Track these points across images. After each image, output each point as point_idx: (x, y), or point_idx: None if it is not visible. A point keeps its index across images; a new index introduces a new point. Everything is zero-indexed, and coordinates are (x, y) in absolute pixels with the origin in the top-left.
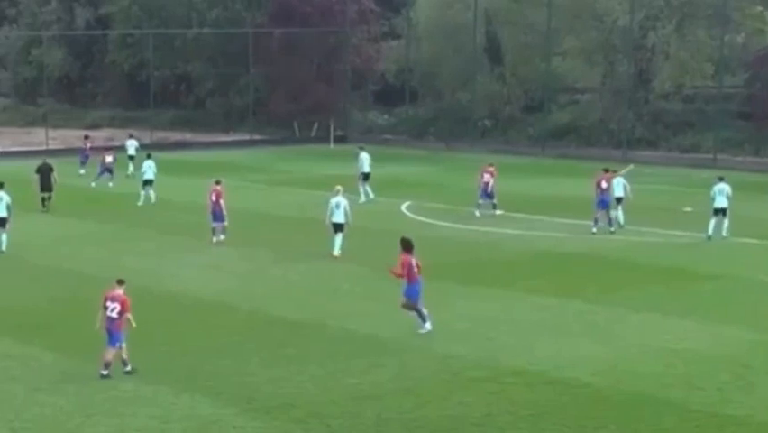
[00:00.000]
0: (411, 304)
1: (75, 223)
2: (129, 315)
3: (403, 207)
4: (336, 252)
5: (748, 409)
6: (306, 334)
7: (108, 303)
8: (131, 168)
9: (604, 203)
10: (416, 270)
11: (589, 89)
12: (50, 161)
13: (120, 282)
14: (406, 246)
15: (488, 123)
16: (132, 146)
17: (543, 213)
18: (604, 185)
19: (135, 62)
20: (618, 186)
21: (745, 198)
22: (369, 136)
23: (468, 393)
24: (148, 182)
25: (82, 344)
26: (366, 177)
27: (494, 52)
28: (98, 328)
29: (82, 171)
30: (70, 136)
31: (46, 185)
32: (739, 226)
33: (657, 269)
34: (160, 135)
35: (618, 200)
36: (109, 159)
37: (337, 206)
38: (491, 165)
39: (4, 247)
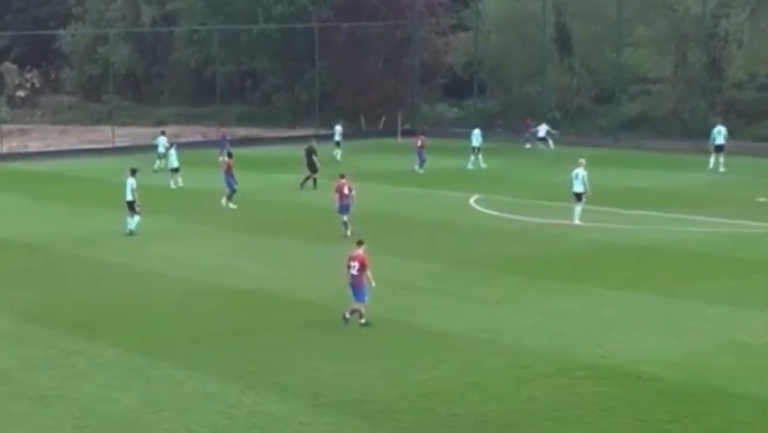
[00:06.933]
0: None
1: (148, 220)
2: (368, 272)
3: (471, 201)
4: (576, 221)
5: None
6: (374, 329)
7: (351, 262)
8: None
9: None
10: None
11: (661, 79)
12: (315, 143)
13: (359, 243)
14: None
15: (557, 114)
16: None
17: (615, 205)
18: None
19: (201, 58)
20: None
21: None
22: (437, 129)
23: (538, 388)
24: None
25: (149, 341)
26: (719, 149)
27: (563, 43)
28: (344, 286)
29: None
30: (137, 133)
31: (312, 166)
32: None
33: (732, 260)
34: (227, 131)
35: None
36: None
37: (576, 176)
38: None
39: (134, 227)
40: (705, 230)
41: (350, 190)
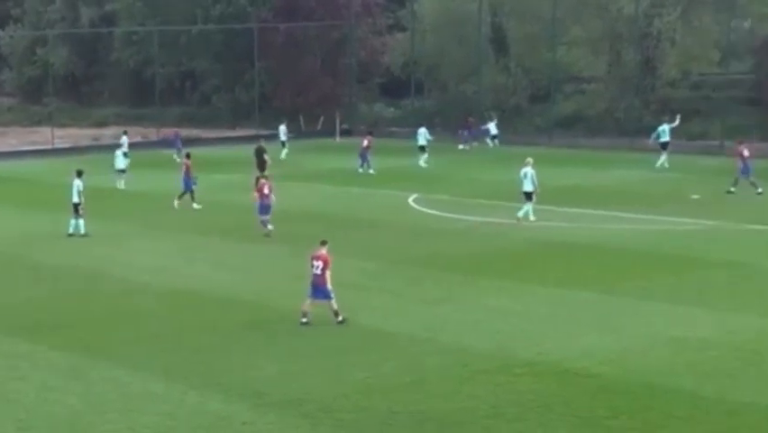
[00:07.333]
0: None
1: (90, 222)
2: (328, 273)
3: (410, 200)
4: (521, 214)
5: (759, 395)
6: (315, 328)
7: (314, 262)
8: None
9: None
10: None
11: (596, 78)
12: (263, 143)
13: (323, 243)
14: None
15: (494, 113)
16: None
17: (552, 203)
18: (746, 153)
19: (140, 59)
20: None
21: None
22: (375, 129)
23: (477, 386)
24: None
25: (91, 341)
26: (664, 145)
27: (499, 43)
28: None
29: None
30: (77, 135)
31: (261, 166)
32: (748, 213)
33: (666, 257)
34: (167, 132)
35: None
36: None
37: (524, 175)
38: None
39: (82, 230)
40: (640, 227)
41: (269, 191)
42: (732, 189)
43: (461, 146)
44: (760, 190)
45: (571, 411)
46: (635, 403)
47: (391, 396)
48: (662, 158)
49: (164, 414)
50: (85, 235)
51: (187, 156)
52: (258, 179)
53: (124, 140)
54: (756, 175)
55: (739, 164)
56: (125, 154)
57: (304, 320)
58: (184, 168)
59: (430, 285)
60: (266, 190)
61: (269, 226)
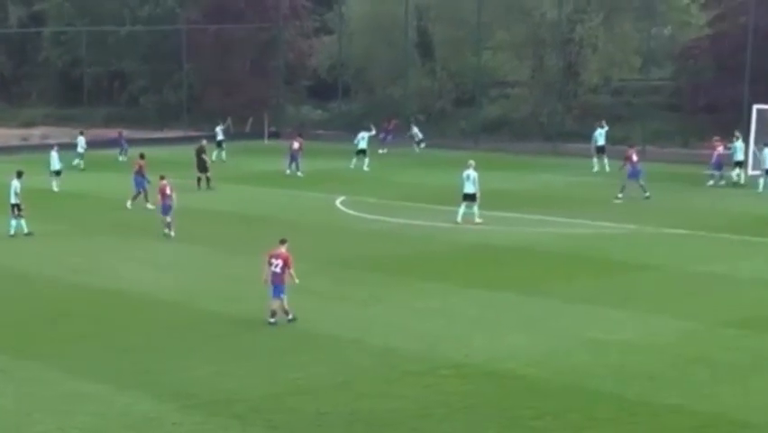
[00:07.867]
0: None
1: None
2: (291, 270)
3: (337, 202)
4: (478, 219)
5: (681, 397)
6: (246, 329)
7: (272, 260)
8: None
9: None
10: None
11: (520, 83)
12: (204, 143)
13: (282, 241)
14: None
15: (420, 117)
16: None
17: (478, 207)
18: (635, 158)
19: (69, 60)
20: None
21: (673, 188)
22: (302, 131)
23: (405, 387)
24: None
25: (21, 342)
26: (600, 150)
27: (425, 47)
28: (264, 282)
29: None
30: (6, 135)
31: (201, 166)
32: (668, 217)
33: (589, 260)
34: (95, 133)
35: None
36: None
37: (467, 177)
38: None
39: (26, 230)
40: (564, 231)
41: (171, 191)
42: (647, 195)
43: (381, 150)
44: (648, 195)
45: (497, 412)
46: (559, 404)
47: (321, 397)
48: (605, 161)
49: (94, 414)
50: (29, 234)
51: (141, 156)
52: (160, 179)
53: (80, 140)
54: (661, 179)
55: (627, 168)
56: (81, 155)
57: (271, 320)
58: (137, 167)
59: (357, 287)
60: (167, 191)
61: (171, 232)
